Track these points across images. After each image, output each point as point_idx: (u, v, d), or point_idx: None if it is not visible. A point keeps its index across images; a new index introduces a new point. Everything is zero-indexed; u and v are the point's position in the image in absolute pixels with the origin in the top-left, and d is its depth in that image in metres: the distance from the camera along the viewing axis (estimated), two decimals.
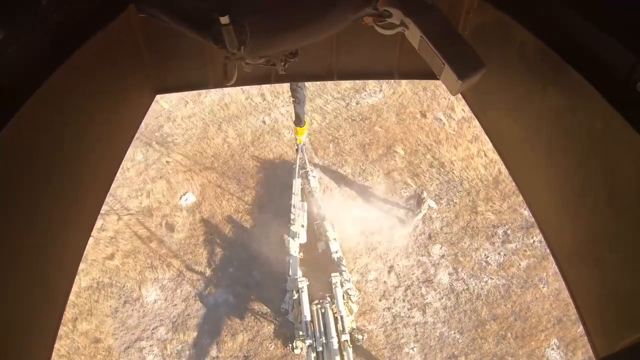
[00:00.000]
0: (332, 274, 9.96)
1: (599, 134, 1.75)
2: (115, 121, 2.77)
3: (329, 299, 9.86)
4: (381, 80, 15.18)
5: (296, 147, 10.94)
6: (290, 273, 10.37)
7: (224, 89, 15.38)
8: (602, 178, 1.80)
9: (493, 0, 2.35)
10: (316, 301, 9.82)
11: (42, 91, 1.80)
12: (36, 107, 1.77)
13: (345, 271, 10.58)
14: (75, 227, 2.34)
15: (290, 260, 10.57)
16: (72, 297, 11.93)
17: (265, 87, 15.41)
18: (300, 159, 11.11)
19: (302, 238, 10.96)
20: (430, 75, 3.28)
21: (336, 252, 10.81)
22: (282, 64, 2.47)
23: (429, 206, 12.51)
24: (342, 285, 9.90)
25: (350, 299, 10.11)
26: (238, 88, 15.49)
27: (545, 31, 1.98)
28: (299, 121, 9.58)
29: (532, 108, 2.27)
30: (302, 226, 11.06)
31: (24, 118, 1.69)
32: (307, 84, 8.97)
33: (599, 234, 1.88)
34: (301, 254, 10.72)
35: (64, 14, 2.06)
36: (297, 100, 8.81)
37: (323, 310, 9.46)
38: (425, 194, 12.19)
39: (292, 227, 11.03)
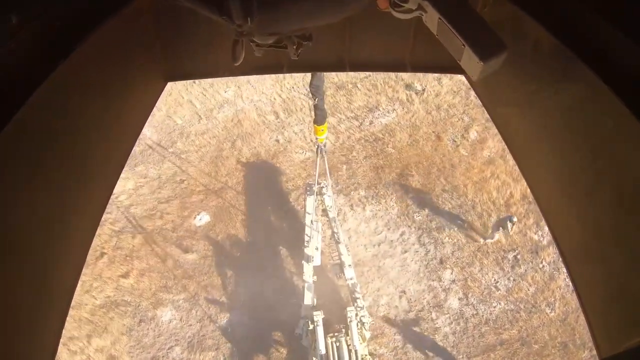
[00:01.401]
0: (348, 309, 10.35)
1: (611, 132, 1.80)
2: (126, 108, 2.85)
3: (343, 330, 10.41)
4: (394, 100, 15.82)
5: (316, 148, 10.45)
6: (305, 301, 10.73)
7: (237, 105, 16.06)
8: (612, 177, 1.84)
9: None
10: (331, 334, 10.29)
11: (54, 77, 1.85)
12: (48, 93, 1.82)
13: (359, 298, 10.95)
14: (83, 216, 2.39)
15: (305, 286, 10.86)
16: (86, 314, 12.65)
17: (279, 105, 16.07)
18: (320, 162, 10.66)
19: (316, 261, 11.01)
20: (442, 68, 3.42)
21: (351, 279, 11.11)
22: (295, 47, 2.44)
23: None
24: (356, 316, 10.36)
25: (363, 327, 10.66)
26: (251, 105, 16.05)
27: (560, 28, 2.02)
28: (319, 119, 9.22)
29: (543, 104, 2.33)
30: (316, 249, 11.07)
31: (35, 104, 1.74)
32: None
33: (608, 233, 1.93)
34: (315, 277, 11.01)
35: (76, 1, 2.14)
36: (317, 96, 8.53)
37: (338, 344, 10.06)
38: (515, 219, 12.94)
39: (305, 250, 11.04)
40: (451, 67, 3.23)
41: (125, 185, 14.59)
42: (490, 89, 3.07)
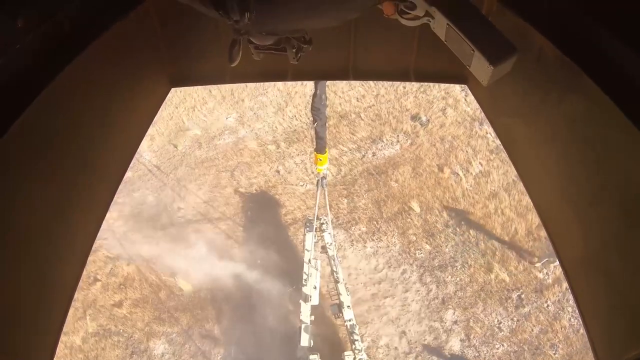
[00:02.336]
0: (345, 353, 10.01)
1: (614, 144, 1.79)
2: (131, 111, 2.88)
3: None
4: (398, 131, 15.49)
5: (316, 180, 10.10)
6: (301, 342, 10.31)
7: (238, 133, 15.77)
8: (615, 189, 1.83)
9: (512, 6, 2.39)
10: None
11: (60, 78, 1.89)
12: (54, 94, 1.86)
13: (357, 340, 10.51)
14: (87, 214, 2.40)
15: (302, 327, 10.45)
16: (78, 341, 12.34)
17: (280, 134, 15.82)
18: (320, 195, 10.41)
19: (314, 300, 10.74)
20: (445, 78, 3.51)
21: (350, 321, 10.72)
22: (294, 51, 2.38)
23: None
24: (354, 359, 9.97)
25: None
26: (252, 133, 15.78)
27: (563, 39, 2.02)
28: (319, 147, 8.97)
29: (547, 116, 2.32)
30: (315, 288, 10.81)
31: (42, 104, 1.78)
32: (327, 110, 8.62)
33: (610, 244, 1.92)
34: (312, 317, 10.61)
35: (83, 4, 2.17)
36: (318, 120, 8.33)
37: None
38: None
39: (303, 289, 10.75)
40: (454, 76, 3.33)
41: (122, 211, 14.32)
42: (494, 99, 3.06)
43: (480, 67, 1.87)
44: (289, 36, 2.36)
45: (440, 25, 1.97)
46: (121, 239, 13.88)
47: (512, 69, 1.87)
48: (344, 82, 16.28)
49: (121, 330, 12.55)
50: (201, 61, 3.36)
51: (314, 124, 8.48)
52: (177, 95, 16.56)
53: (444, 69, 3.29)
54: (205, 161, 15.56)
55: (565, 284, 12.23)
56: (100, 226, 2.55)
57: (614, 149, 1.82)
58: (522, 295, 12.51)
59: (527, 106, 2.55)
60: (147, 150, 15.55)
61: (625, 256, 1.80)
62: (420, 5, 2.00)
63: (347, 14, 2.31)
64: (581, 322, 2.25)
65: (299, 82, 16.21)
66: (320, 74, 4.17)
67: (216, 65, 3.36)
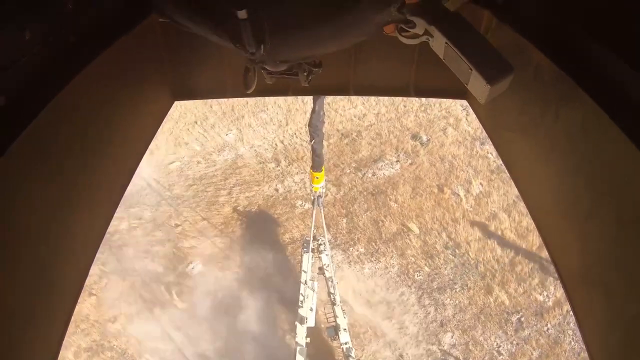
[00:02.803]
0: None
1: (611, 159, 1.81)
2: (134, 123, 2.91)
3: None
4: (399, 150, 15.41)
5: (312, 198, 9.96)
6: None
7: (237, 149, 15.69)
8: (612, 202, 1.84)
9: (511, 23, 2.43)
10: None
11: (67, 91, 1.91)
12: (61, 105, 1.88)
13: None
14: (89, 220, 2.40)
15: (297, 349, 10.30)
16: (71, 356, 12.12)
17: (280, 151, 15.75)
18: (317, 215, 10.31)
19: (311, 322, 10.59)
20: (445, 93, 3.53)
21: (346, 344, 10.61)
22: (305, 74, 2.50)
23: None
24: None
25: None
26: (252, 150, 15.70)
27: (560, 55, 2.04)
28: (316, 165, 8.81)
29: (545, 130, 2.34)
30: (311, 309, 10.65)
31: (48, 116, 1.79)
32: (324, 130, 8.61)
33: (608, 258, 1.92)
34: (308, 339, 10.45)
35: (89, 18, 2.22)
36: (315, 137, 8.23)
37: None
38: None
39: (300, 311, 10.60)
40: (454, 91, 3.36)
41: (118, 226, 14.19)
42: (493, 113, 3.08)
43: (477, 85, 1.92)
44: (300, 62, 2.48)
45: (439, 43, 2.02)
46: (117, 254, 13.73)
47: (512, 83, 1.92)
48: (345, 100, 16.28)
49: (114, 346, 12.35)
50: (204, 75, 3.42)
51: (311, 141, 8.38)
52: (178, 110, 16.54)
53: (443, 85, 3.30)
54: (204, 177, 15.46)
55: (565, 307, 12.12)
56: (104, 234, 2.55)
57: (609, 162, 1.84)
58: (522, 318, 12.35)
59: (525, 120, 2.57)
60: (146, 165, 15.44)
61: (622, 270, 1.81)
62: (420, 24, 2.05)
63: (355, 39, 2.40)
64: (583, 346, 2.22)
65: (300, 100, 16.26)
66: (321, 89, 4.24)
67: (218, 79, 3.43)
